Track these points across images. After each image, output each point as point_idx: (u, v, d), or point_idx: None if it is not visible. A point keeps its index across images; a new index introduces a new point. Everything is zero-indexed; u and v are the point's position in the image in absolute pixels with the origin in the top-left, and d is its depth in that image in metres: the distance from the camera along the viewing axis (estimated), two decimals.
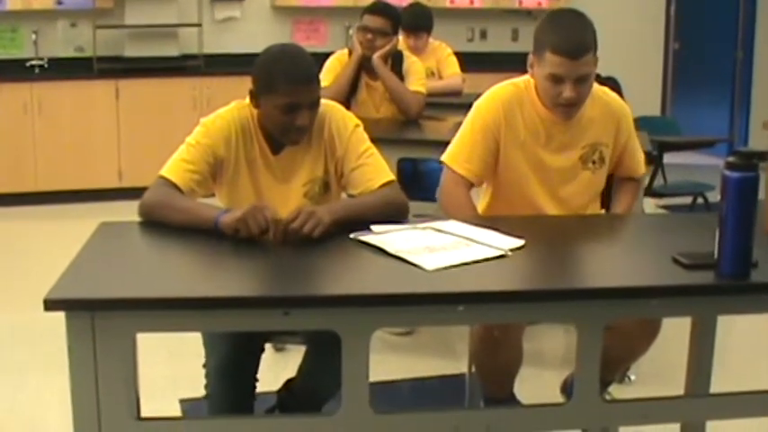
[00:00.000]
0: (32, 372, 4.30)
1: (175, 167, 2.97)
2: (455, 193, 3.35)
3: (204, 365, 2.98)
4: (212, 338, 2.97)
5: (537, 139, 3.30)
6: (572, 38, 3.14)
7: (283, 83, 2.90)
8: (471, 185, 3.37)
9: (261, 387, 3.05)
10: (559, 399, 3.44)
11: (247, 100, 3.06)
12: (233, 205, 3.01)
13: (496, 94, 3.36)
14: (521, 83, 3.34)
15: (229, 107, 3.08)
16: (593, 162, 3.35)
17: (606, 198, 3.58)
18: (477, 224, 2.90)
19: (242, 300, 2.37)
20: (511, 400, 3.29)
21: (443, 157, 3.41)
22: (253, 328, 2.65)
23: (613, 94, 3.44)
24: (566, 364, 4.07)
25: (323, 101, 3.07)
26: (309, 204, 3.02)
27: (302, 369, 3.25)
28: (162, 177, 2.95)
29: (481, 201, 3.50)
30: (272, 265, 2.60)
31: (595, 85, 3.40)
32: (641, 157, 3.54)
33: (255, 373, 3.04)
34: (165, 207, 2.87)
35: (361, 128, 3.12)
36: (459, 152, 3.36)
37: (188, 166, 2.96)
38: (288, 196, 3.08)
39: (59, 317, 2.25)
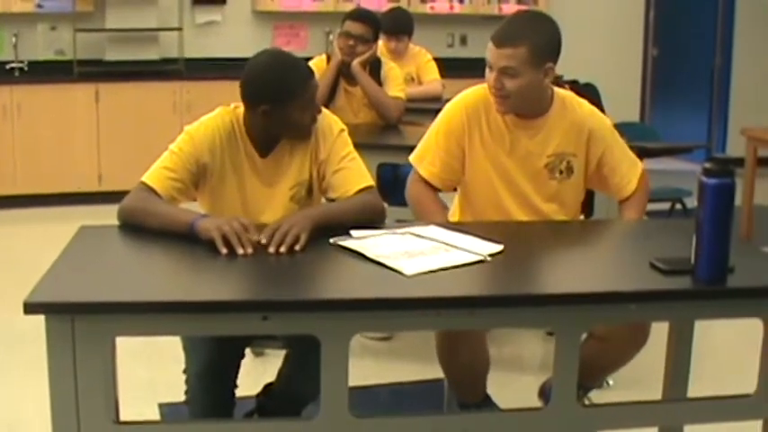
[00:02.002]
0: (11, 374, 4.28)
1: (156, 174, 2.97)
2: (420, 193, 3.42)
3: (184, 371, 2.98)
4: (192, 343, 2.97)
5: (501, 145, 3.32)
6: (506, 27, 3.21)
7: (300, 85, 2.96)
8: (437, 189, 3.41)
9: (240, 392, 3.06)
10: (537, 404, 3.45)
11: (232, 105, 3.07)
12: (217, 212, 3.01)
13: (464, 98, 3.39)
14: None
15: (213, 114, 3.09)
16: (561, 172, 3.35)
17: (586, 207, 3.59)
18: (456, 229, 2.92)
19: (221, 304, 2.37)
20: (485, 402, 3.30)
21: (410, 157, 3.46)
22: (232, 333, 2.65)
23: (589, 106, 3.42)
24: (544, 369, 4.09)
25: None
26: (295, 208, 3.04)
27: (282, 373, 3.25)
28: (142, 183, 2.95)
29: (453, 205, 3.52)
30: (251, 270, 2.61)
31: (570, 95, 3.42)
32: (628, 172, 3.43)
33: (236, 378, 3.04)
34: (142, 211, 2.88)
35: (346, 132, 3.15)
36: (425, 154, 3.42)
37: (169, 174, 2.97)
38: (274, 200, 3.09)
39: (39, 320, 2.25)
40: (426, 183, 3.41)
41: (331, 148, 3.09)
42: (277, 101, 2.95)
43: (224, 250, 2.63)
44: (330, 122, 3.14)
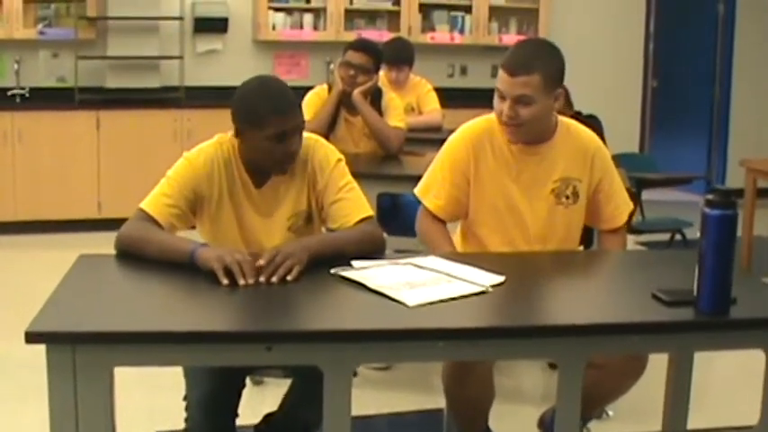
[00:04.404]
0: (9, 403, 4.26)
1: (155, 202, 2.97)
2: (428, 226, 3.42)
3: (185, 398, 2.97)
4: (194, 372, 2.96)
5: (508, 172, 3.32)
6: (517, 56, 3.21)
7: (270, 115, 2.90)
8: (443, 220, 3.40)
9: (238, 421, 3.04)
10: None
11: (229, 134, 3.07)
12: (216, 240, 3.01)
13: (467, 130, 3.40)
14: (494, 117, 3.36)
15: (212, 141, 3.09)
16: (567, 197, 3.35)
17: (585, 238, 3.58)
18: (457, 260, 2.91)
19: (224, 335, 2.36)
20: None
21: (416, 190, 3.47)
22: (235, 364, 2.64)
23: (589, 132, 3.45)
24: (544, 401, 4.07)
25: (307, 134, 3.09)
26: (293, 237, 3.03)
27: (286, 402, 3.23)
28: (141, 211, 2.95)
29: (455, 235, 3.51)
30: (253, 300, 2.60)
31: (569, 121, 3.43)
32: (622, 204, 3.45)
33: (236, 407, 3.02)
34: (141, 240, 2.87)
35: (344, 162, 3.15)
36: (430, 187, 3.42)
37: (167, 201, 2.96)
38: (272, 230, 3.08)
39: (37, 348, 2.24)
40: (433, 216, 3.41)
41: (329, 178, 3.08)
42: (246, 123, 2.95)
43: (225, 281, 2.63)
44: (327, 152, 3.13)
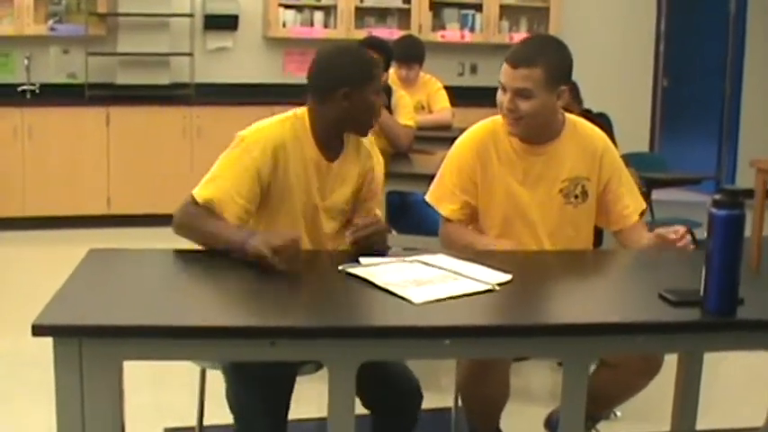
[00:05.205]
0: (17, 398, 4.27)
1: (220, 190, 2.92)
2: (450, 231, 3.40)
3: (227, 396, 2.89)
4: (240, 371, 2.87)
5: (514, 174, 3.30)
6: (520, 48, 3.21)
7: (376, 65, 3.10)
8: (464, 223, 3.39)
9: None
10: None
11: (291, 112, 3.08)
12: (277, 225, 3.02)
13: (470, 135, 3.38)
14: (498, 118, 3.34)
15: (273, 121, 3.06)
16: (576, 196, 3.31)
17: (595, 237, 3.56)
18: (464, 258, 2.91)
19: (229, 329, 2.36)
20: None
21: (428, 198, 3.45)
22: (239, 358, 2.63)
23: (597, 130, 3.42)
24: (552, 399, 4.07)
25: None
26: (343, 220, 3.17)
27: None
28: (204, 201, 2.90)
29: None
30: (260, 295, 2.60)
31: (577, 119, 3.40)
32: (632, 203, 3.38)
33: (288, 409, 2.96)
34: (192, 228, 2.87)
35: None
36: (442, 195, 3.41)
37: (238, 199, 2.93)
38: (333, 210, 3.14)
39: (46, 342, 2.25)
40: (452, 221, 3.39)
41: (378, 179, 3.24)
42: (357, 81, 3.00)
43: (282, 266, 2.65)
44: (380, 155, 3.29)
